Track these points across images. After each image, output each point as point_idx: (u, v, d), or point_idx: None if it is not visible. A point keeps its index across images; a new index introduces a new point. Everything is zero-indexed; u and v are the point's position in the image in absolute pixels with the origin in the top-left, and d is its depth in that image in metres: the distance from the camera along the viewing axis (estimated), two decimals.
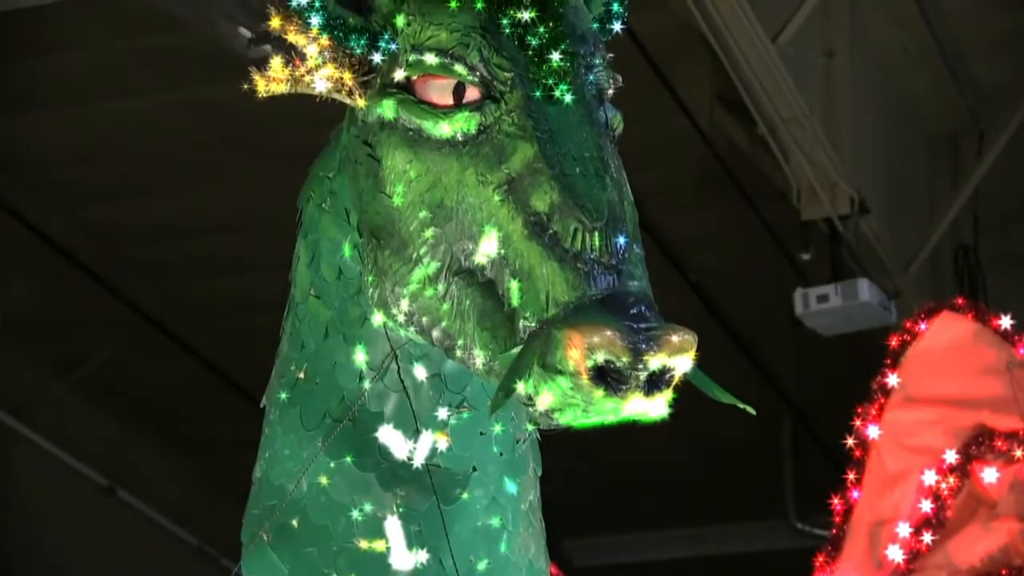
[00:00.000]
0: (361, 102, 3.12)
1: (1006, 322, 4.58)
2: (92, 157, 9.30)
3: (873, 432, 4.50)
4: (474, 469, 3.23)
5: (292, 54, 3.12)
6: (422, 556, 3.19)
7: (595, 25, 3.18)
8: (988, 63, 9.47)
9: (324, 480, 3.23)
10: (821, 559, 4.48)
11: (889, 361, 4.59)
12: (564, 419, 2.81)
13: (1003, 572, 4.46)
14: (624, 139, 3.11)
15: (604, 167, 2.93)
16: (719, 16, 7.63)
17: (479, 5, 3.04)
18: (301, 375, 3.28)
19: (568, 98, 2.98)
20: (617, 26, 3.25)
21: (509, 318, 2.87)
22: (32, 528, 10.69)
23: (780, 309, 8.84)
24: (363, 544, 3.21)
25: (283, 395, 3.31)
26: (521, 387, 2.80)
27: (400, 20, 3.09)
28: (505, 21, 3.02)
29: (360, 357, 3.20)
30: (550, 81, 2.98)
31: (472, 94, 3.00)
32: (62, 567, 10.69)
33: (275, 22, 3.12)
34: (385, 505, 3.20)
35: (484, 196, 2.94)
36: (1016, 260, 10.27)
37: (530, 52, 3.00)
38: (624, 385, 2.73)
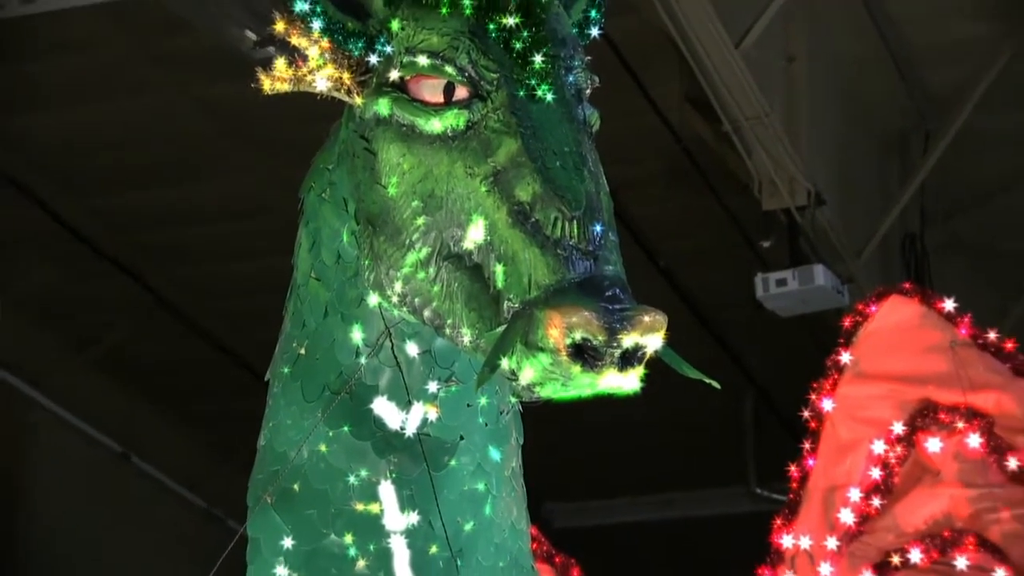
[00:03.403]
0: (359, 100, 3.12)
1: (949, 305, 4.57)
2: (110, 150, 9.28)
3: (827, 405, 4.51)
4: (461, 438, 3.22)
5: (295, 55, 3.11)
6: (413, 518, 3.18)
7: (574, 30, 3.17)
8: (935, 69, 9.49)
9: (323, 448, 3.22)
10: (779, 522, 4.48)
11: (842, 340, 4.59)
12: (544, 393, 2.81)
13: (945, 534, 4.46)
14: (600, 135, 3.11)
15: (582, 161, 2.92)
16: (687, 23, 7.64)
17: (468, 11, 3.03)
18: (302, 351, 3.27)
19: (549, 97, 2.98)
20: (594, 31, 3.24)
21: (494, 299, 2.87)
22: (52, 490, 10.69)
23: (742, 292, 8.84)
24: (359, 507, 3.20)
25: (286, 370, 3.31)
26: (505, 363, 2.80)
27: (395, 24, 3.08)
28: (491, 26, 3.02)
29: (357, 335, 3.19)
30: (533, 81, 2.98)
31: (461, 93, 2.99)
32: (80, 527, 10.69)
33: (279, 26, 3.11)
34: (379, 471, 3.20)
35: (472, 187, 2.93)
36: (959, 248, 10.29)
37: (514, 55, 3.00)
38: (600, 361, 2.73)
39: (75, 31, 8.24)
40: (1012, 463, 4.45)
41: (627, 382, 2.77)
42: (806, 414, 4.54)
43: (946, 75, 9.44)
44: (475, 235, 2.91)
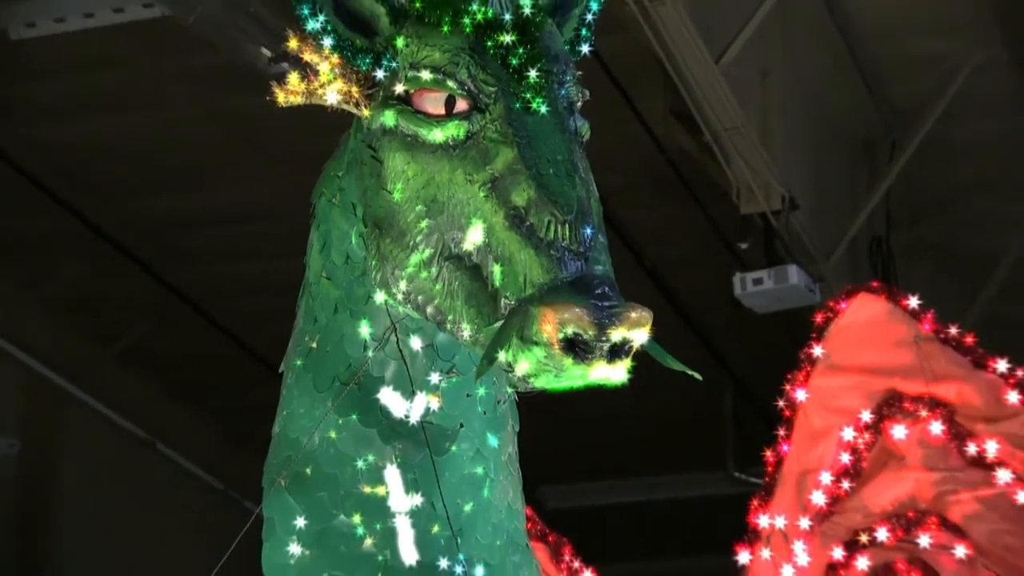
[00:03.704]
0: (366, 112, 3.11)
1: (914, 302, 4.57)
2: (135, 158, 9.28)
3: (801, 396, 4.50)
4: (461, 426, 3.22)
5: (307, 71, 3.10)
6: (417, 499, 3.18)
7: (566, 47, 3.17)
8: (900, 83, 9.49)
9: (333, 434, 3.22)
10: (755, 503, 4.48)
11: (814, 335, 4.58)
12: (539, 383, 2.81)
13: (910, 514, 4.46)
14: (591, 145, 3.10)
15: (574, 168, 2.92)
16: (671, 41, 7.63)
17: (468, 29, 3.03)
18: (314, 345, 3.27)
19: (543, 109, 2.97)
20: (585, 48, 3.23)
21: (492, 297, 2.87)
22: (82, 475, 10.69)
23: (722, 291, 8.84)
24: (366, 489, 3.20)
25: (298, 362, 3.30)
26: (502, 356, 2.79)
27: (400, 42, 3.07)
28: (490, 43, 3.01)
29: (364, 330, 3.19)
30: (528, 95, 2.97)
31: (461, 105, 2.99)
32: (108, 508, 10.70)
33: (293, 43, 3.10)
34: (385, 456, 3.20)
35: (471, 193, 2.93)
36: (922, 251, 10.28)
37: (511, 70, 2.99)
38: (590, 354, 2.73)
39: (103, 49, 8.23)
40: (971, 449, 4.44)
41: (615, 374, 2.77)
42: (781, 404, 4.53)
43: (911, 88, 9.44)
44: (474, 237, 2.91)
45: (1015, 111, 9.45)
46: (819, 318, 4.59)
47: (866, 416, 4.46)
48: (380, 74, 3.08)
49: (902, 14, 8.97)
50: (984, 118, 9.52)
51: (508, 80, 2.98)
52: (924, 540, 4.42)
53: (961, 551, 4.42)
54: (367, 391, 3.20)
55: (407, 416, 3.18)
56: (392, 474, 3.19)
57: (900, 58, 9.29)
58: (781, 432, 4.51)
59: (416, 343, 3.18)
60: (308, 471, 3.24)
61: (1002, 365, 4.48)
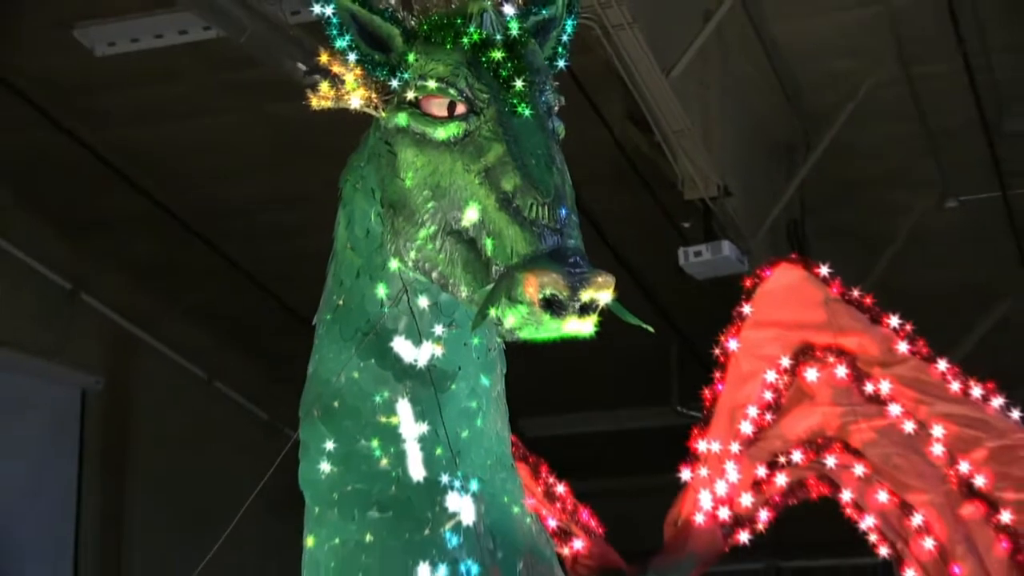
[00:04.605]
0: (383, 114, 3.10)
1: (824, 271, 4.54)
2: (197, 153, 9.23)
3: (733, 345, 4.48)
4: (459, 368, 3.22)
5: (335, 81, 3.09)
6: (423, 428, 3.18)
7: (546, 62, 3.17)
8: (813, 95, 9.46)
9: (356, 375, 3.21)
10: (695, 431, 4.46)
11: (744, 297, 4.55)
12: (523, 335, 2.82)
13: (819, 441, 4.44)
14: (564, 143, 3.10)
15: (552, 161, 2.92)
16: (628, 58, 7.60)
17: (466, 47, 3.02)
18: (340, 303, 3.26)
19: (527, 113, 2.96)
20: (561, 63, 3.24)
21: (485, 265, 2.86)
22: (154, 407, 10.68)
23: (669, 262, 8.82)
24: (382, 419, 3.20)
25: (328, 316, 3.29)
26: (493, 312, 2.80)
27: (411, 57, 3.06)
28: (484, 59, 3.01)
29: (381, 291, 3.18)
30: (515, 101, 2.97)
31: (460, 109, 2.98)
32: (175, 436, 10.72)
33: (324, 58, 3.09)
34: (398, 393, 3.19)
35: (468, 180, 2.92)
36: (829, 230, 10.27)
37: (501, 80, 2.99)
38: (564, 311, 2.73)
39: (170, 64, 8.18)
40: (869, 388, 4.44)
41: (585, 327, 2.77)
42: (716, 352, 4.52)
43: (821, 100, 9.42)
44: (471, 216, 2.90)
45: (904, 119, 9.44)
46: (748, 283, 4.58)
47: (785, 362, 4.45)
48: (395, 83, 3.07)
49: (815, 39, 8.96)
50: (880, 124, 9.51)
51: (499, 89, 2.98)
52: (830, 461, 4.42)
53: (860, 469, 4.43)
54: (383, 340, 3.19)
55: (416, 361, 3.17)
56: (403, 407, 3.19)
57: (813, 75, 9.28)
58: (717, 375, 4.50)
59: (423, 302, 3.17)
60: (336, 404, 3.24)
61: (894, 321, 4.47)
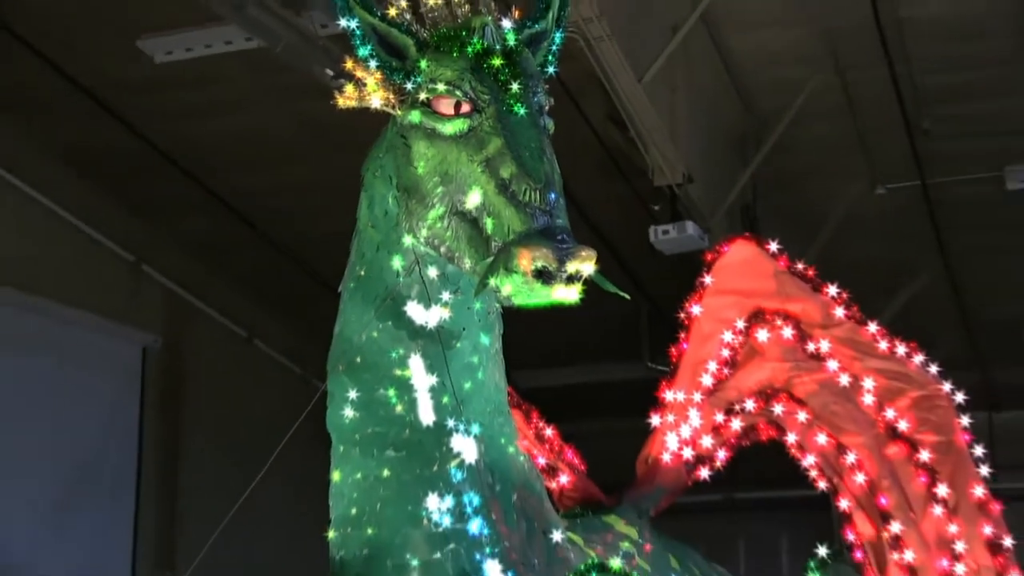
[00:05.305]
0: (399, 112, 3.08)
1: (774, 247, 4.54)
2: (240, 146, 9.21)
3: (696, 310, 4.47)
4: (464, 329, 3.20)
5: (359, 83, 3.07)
6: (432, 379, 3.17)
7: (538, 68, 3.16)
8: (763, 97, 9.44)
9: (375, 334, 3.19)
10: (663, 383, 4.45)
11: (705, 269, 4.54)
12: (517, 301, 2.80)
13: (768, 391, 4.44)
14: (553, 137, 3.08)
15: (543, 152, 2.91)
16: (608, 66, 7.59)
17: (470, 55, 3.01)
18: (362, 273, 3.24)
19: (522, 111, 2.95)
20: (551, 70, 3.23)
21: (486, 241, 2.85)
22: (203, 364, 10.67)
23: (642, 239, 8.83)
24: (397, 372, 3.18)
25: (352, 285, 3.28)
26: (492, 281, 2.78)
27: (423, 64, 3.05)
28: (485, 65, 2.99)
29: (397, 263, 3.16)
30: (511, 101, 2.95)
31: (465, 108, 2.97)
32: (221, 389, 10.72)
33: (349, 64, 3.08)
34: (411, 350, 3.17)
35: (471, 169, 2.90)
36: (777, 213, 10.23)
37: (500, 83, 2.97)
38: (553, 280, 2.72)
39: (218, 70, 8.15)
40: (811, 347, 4.43)
41: (570, 294, 2.77)
42: (682, 316, 4.50)
43: (771, 101, 9.40)
44: (474, 199, 2.89)
45: (840, 118, 9.42)
46: (708, 257, 4.56)
47: (740, 324, 4.44)
48: (409, 86, 3.05)
49: (766, 50, 8.94)
50: (819, 123, 9.49)
51: (498, 90, 2.96)
52: (778, 408, 4.42)
53: (802, 416, 4.43)
54: (398, 305, 3.17)
55: (426, 322, 3.16)
56: (415, 362, 3.17)
57: (763, 80, 9.26)
58: (682, 335, 4.48)
59: (433, 272, 3.15)
60: (358, 360, 3.22)
61: (832, 290, 4.46)
